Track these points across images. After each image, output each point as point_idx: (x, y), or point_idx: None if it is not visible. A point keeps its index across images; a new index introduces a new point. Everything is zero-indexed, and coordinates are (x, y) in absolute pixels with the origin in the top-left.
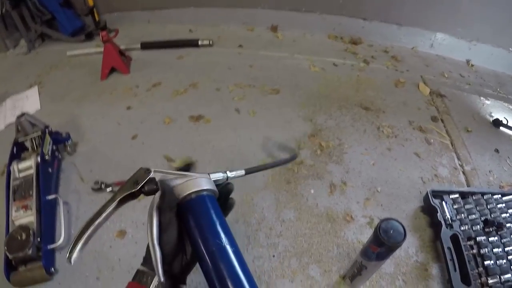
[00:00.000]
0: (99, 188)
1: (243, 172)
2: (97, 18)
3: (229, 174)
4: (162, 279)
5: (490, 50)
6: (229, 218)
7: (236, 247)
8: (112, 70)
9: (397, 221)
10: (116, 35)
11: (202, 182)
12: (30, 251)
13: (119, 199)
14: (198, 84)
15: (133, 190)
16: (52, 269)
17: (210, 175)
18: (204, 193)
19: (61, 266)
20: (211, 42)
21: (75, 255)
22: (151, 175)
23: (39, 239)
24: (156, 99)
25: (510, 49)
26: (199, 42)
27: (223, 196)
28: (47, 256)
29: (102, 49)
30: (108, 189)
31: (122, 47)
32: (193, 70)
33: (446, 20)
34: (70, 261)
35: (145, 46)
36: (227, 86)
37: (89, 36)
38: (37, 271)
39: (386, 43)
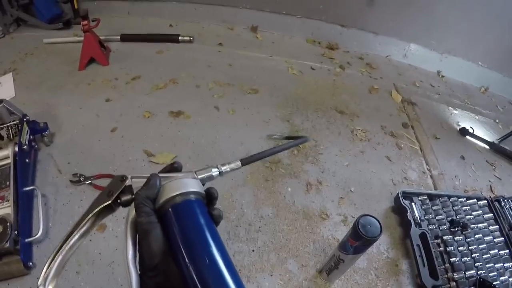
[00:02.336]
0: (77, 180)
1: (239, 164)
2: (76, 6)
3: (223, 168)
4: None
5: (460, 63)
6: None
7: (228, 260)
8: (91, 60)
9: (374, 217)
10: (98, 25)
11: (187, 183)
12: (8, 244)
13: (92, 214)
14: (178, 79)
15: (108, 202)
16: (31, 263)
17: (197, 173)
18: (191, 196)
19: (39, 260)
20: (191, 39)
21: (49, 281)
22: (127, 182)
23: (16, 232)
24: (136, 92)
25: (479, 63)
26: (180, 38)
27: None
28: (25, 250)
29: (80, 38)
30: (87, 182)
31: (101, 37)
32: (173, 65)
33: (420, 32)
34: None
35: (125, 38)
36: (207, 84)
37: (67, 24)
38: (14, 265)
39: (362, 51)
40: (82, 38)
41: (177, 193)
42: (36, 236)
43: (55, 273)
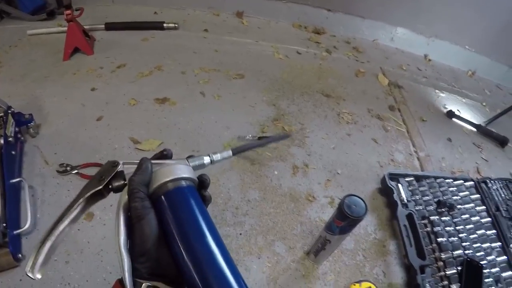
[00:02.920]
0: (64, 170)
1: (230, 153)
2: None
3: (214, 156)
4: None
5: (447, 46)
6: None
7: (223, 246)
8: (75, 50)
9: (359, 197)
10: (81, 14)
11: (179, 169)
12: None
13: (84, 198)
14: (163, 66)
15: (99, 188)
16: (20, 255)
17: (189, 160)
18: (183, 182)
19: (28, 252)
20: (176, 25)
21: (38, 268)
22: (119, 168)
23: (4, 224)
24: (121, 80)
25: (466, 46)
26: (165, 25)
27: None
28: (14, 242)
29: (64, 29)
30: (74, 172)
31: (85, 27)
32: (158, 52)
33: (407, 16)
34: (33, 276)
35: (110, 26)
36: (192, 70)
37: (51, 15)
38: (4, 258)
39: (349, 35)
40: (66, 28)
41: (170, 178)
42: (25, 228)
43: (44, 260)
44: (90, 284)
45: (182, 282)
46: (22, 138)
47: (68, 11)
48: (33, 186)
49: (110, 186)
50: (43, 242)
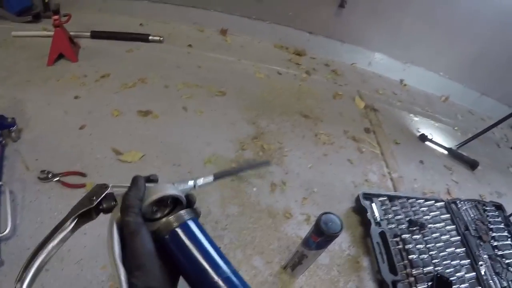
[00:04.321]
0: (45, 177)
1: (211, 178)
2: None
3: (198, 181)
4: None
5: (423, 72)
6: None
7: (218, 250)
8: (60, 56)
9: (335, 215)
10: (68, 21)
11: (167, 188)
12: None
13: (73, 218)
14: (147, 79)
15: (90, 207)
16: None
17: (176, 184)
18: (185, 215)
19: (7, 258)
20: (161, 39)
21: (26, 285)
22: (109, 190)
23: None
24: (105, 90)
25: (441, 73)
26: (150, 38)
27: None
28: None
29: (50, 33)
30: (55, 179)
31: (71, 33)
32: (142, 64)
33: (385, 42)
34: None
35: (95, 35)
36: (176, 84)
37: (36, 18)
38: None
39: (328, 57)
40: (51, 33)
41: (158, 196)
42: (4, 233)
43: (32, 277)
44: None
45: None
46: (3, 142)
47: (56, 16)
48: (13, 191)
49: (100, 207)
50: (30, 260)
